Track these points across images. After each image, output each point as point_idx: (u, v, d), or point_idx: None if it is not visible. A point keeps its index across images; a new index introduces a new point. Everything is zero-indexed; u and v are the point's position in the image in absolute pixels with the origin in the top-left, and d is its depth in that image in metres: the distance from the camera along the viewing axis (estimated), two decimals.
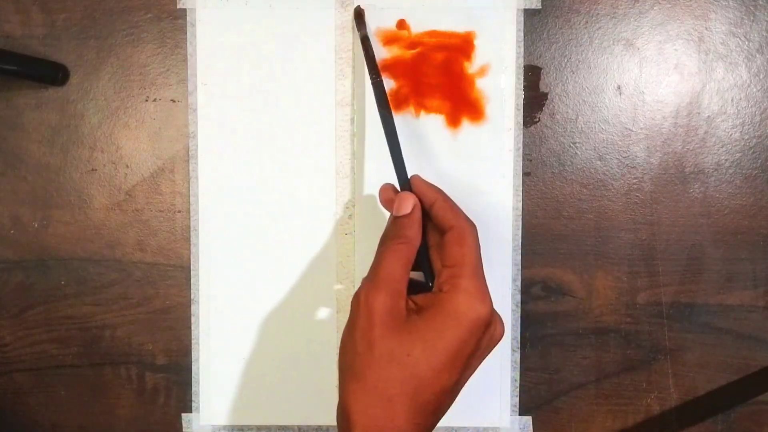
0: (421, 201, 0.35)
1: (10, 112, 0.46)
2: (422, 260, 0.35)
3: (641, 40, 0.44)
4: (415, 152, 0.44)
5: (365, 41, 0.41)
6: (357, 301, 0.33)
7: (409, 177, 0.36)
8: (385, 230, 0.35)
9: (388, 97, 0.39)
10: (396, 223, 0.35)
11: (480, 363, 0.34)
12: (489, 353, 0.34)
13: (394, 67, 0.44)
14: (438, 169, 0.44)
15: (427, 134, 0.44)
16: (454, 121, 0.44)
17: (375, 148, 0.44)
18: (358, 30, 0.42)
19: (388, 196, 0.36)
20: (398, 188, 0.37)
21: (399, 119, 0.44)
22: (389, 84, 0.44)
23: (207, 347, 0.46)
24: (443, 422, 0.45)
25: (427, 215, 0.35)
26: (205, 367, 0.46)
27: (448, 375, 0.31)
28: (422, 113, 0.44)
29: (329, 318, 0.45)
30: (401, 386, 0.31)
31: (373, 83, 0.38)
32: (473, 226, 0.34)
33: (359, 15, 0.43)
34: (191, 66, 0.45)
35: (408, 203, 0.35)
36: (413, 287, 0.34)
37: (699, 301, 0.45)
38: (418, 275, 0.36)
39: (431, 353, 0.31)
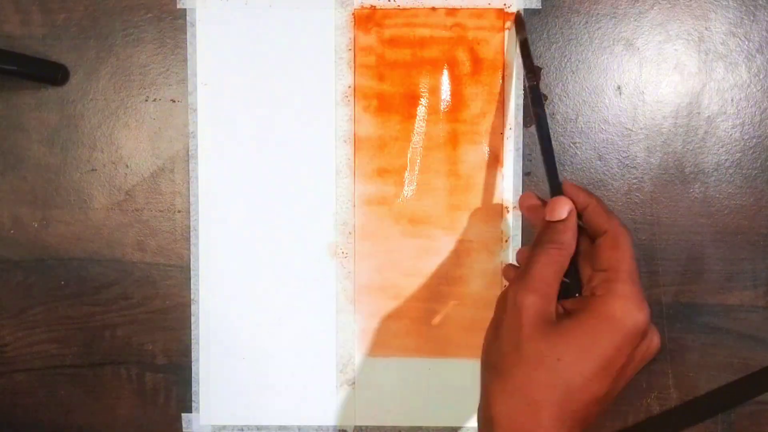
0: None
1: (10, 112, 0.46)
2: (571, 268, 0.34)
3: (641, 40, 0.44)
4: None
5: (525, 44, 0.41)
6: (504, 300, 0.32)
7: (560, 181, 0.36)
8: (538, 234, 0.34)
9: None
10: (550, 227, 0.33)
11: (633, 375, 0.32)
12: (642, 366, 0.32)
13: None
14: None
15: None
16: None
17: (375, 148, 0.44)
18: (518, 34, 0.43)
19: (531, 203, 0.36)
20: (537, 196, 0.37)
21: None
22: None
23: (207, 347, 0.45)
24: (439, 422, 0.45)
25: (577, 222, 0.34)
26: (205, 367, 0.46)
27: (599, 384, 0.30)
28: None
29: (329, 318, 0.45)
30: (548, 391, 0.29)
31: (529, 87, 0.39)
32: (628, 230, 0.33)
33: (520, 19, 0.43)
34: (191, 66, 0.45)
35: (564, 208, 0.33)
36: (561, 294, 0.33)
37: (699, 301, 0.45)
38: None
39: (583, 359, 0.29)
